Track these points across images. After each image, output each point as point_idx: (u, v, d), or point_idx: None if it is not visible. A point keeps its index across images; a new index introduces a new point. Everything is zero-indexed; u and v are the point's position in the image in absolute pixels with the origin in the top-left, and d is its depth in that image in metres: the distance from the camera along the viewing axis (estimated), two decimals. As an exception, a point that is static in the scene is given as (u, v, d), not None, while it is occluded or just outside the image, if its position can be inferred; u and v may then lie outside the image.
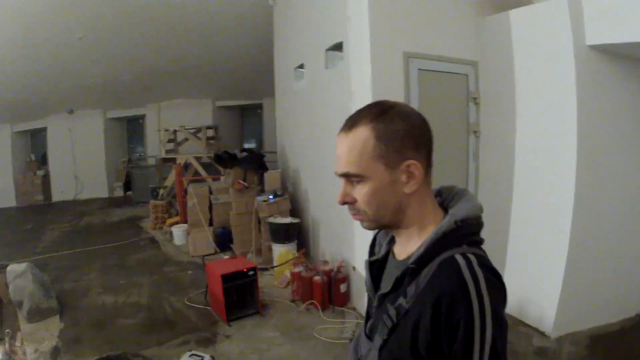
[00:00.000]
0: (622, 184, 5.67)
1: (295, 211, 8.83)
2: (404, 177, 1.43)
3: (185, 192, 10.34)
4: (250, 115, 19.72)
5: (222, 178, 10.60)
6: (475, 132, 6.38)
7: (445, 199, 1.60)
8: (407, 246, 1.54)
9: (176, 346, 5.59)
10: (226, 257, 7.12)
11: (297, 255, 7.63)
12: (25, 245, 10.54)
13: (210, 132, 14.20)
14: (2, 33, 10.99)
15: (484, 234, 1.49)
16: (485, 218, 1.50)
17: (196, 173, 12.66)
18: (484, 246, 1.48)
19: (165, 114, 17.17)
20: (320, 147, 7.55)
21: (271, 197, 8.43)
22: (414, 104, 5.73)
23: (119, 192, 17.51)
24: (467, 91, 6.30)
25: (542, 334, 5.59)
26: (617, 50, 5.16)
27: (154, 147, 16.74)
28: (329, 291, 6.58)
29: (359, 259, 6.30)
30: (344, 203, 1.51)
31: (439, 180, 1.61)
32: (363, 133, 1.41)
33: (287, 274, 7.30)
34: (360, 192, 1.45)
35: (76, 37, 11.69)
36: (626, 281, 5.88)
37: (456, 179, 6.26)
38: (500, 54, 6.03)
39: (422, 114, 1.49)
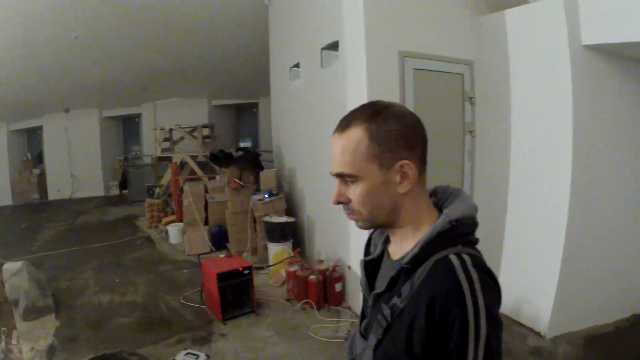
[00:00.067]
0: (618, 184, 5.69)
1: (290, 210, 8.85)
2: (397, 177, 1.43)
3: (181, 190, 10.33)
4: (246, 115, 19.71)
5: (217, 177, 10.60)
6: (470, 132, 6.39)
7: (440, 198, 1.60)
8: (402, 246, 1.55)
9: (172, 345, 5.60)
10: (222, 256, 7.13)
11: (292, 254, 7.64)
12: (21, 243, 10.54)
13: (206, 131, 14.18)
14: (0, 33, 10.98)
15: (479, 233, 1.49)
16: (480, 218, 1.51)
17: (192, 172, 12.65)
18: (479, 246, 1.49)
19: (161, 113, 17.17)
20: (315, 147, 7.56)
21: (267, 196, 8.44)
22: (409, 104, 5.75)
23: (115, 191, 17.53)
24: (462, 91, 6.30)
25: (538, 334, 5.60)
26: (613, 50, 5.19)
27: (149, 146, 16.72)
28: (324, 290, 6.61)
29: (354, 259, 6.31)
30: (338, 203, 1.52)
31: (434, 180, 1.62)
32: (357, 133, 1.42)
33: (283, 273, 7.30)
34: (355, 192, 1.46)
35: (72, 36, 11.67)
36: (622, 282, 5.90)
37: (452, 179, 6.27)
38: (496, 53, 6.04)
39: (416, 115, 1.49)
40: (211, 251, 9.35)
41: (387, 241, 1.68)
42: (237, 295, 6.34)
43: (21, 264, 6.62)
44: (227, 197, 9.20)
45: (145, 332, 6.00)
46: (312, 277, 6.57)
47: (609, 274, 5.79)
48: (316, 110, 7.53)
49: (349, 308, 6.54)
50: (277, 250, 7.85)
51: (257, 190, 9.06)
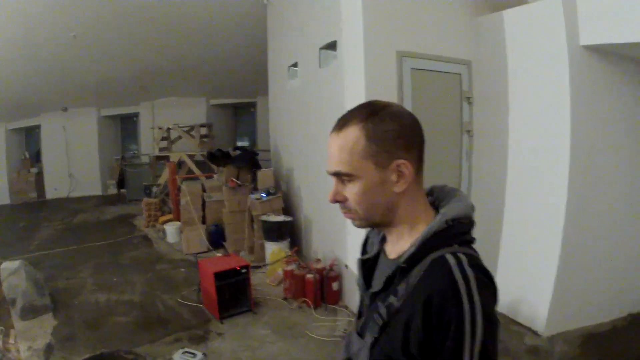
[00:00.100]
0: (616, 183, 5.70)
1: (288, 209, 8.86)
2: (394, 177, 1.44)
3: (179, 190, 10.34)
4: (243, 114, 19.69)
5: (215, 176, 10.60)
6: (468, 131, 6.40)
7: (436, 198, 1.61)
8: (398, 245, 1.55)
9: (169, 343, 5.61)
10: (219, 255, 7.14)
11: (289, 253, 7.66)
12: (19, 242, 10.53)
13: (203, 130, 14.15)
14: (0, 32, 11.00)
15: (476, 232, 1.51)
16: (478, 217, 1.52)
17: (189, 171, 12.65)
18: (476, 245, 1.50)
19: (159, 112, 17.15)
20: (313, 146, 7.57)
21: (264, 195, 8.45)
22: (407, 103, 5.76)
23: (113, 190, 17.49)
24: (460, 91, 6.30)
25: (535, 332, 5.60)
26: (611, 50, 5.18)
27: (147, 145, 16.75)
28: (321, 289, 6.61)
29: (351, 257, 6.31)
30: (335, 201, 1.53)
31: (431, 179, 1.63)
32: (354, 133, 1.43)
33: (280, 272, 7.32)
34: (351, 191, 1.47)
35: (71, 36, 11.68)
36: (619, 281, 5.90)
37: (449, 179, 6.27)
38: (494, 53, 6.04)
39: (413, 114, 1.50)
40: (208, 250, 9.37)
41: (383, 240, 1.68)
42: (234, 294, 6.34)
43: (19, 263, 6.61)
44: (225, 196, 9.24)
45: (143, 331, 6.00)
46: (309, 276, 6.59)
47: (607, 274, 5.79)
48: (314, 109, 7.54)
49: (346, 307, 6.55)
50: (274, 249, 7.86)
51: (255, 189, 9.07)
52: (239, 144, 18.66)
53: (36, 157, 17.25)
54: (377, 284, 1.57)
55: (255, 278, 7.36)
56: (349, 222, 1.56)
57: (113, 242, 10.56)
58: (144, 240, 10.78)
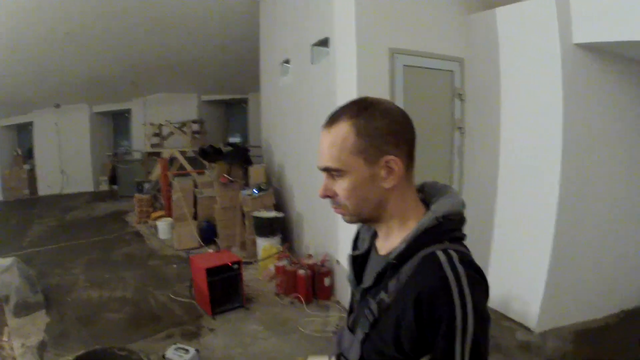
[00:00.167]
0: (608, 181, 5.73)
1: (279, 205, 8.87)
2: (383, 173, 1.45)
3: (170, 186, 10.34)
4: (235, 110, 19.62)
5: (206, 172, 10.60)
6: (460, 128, 6.43)
7: (427, 194, 1.62)
8: (389, 241, 1.57)
9: (161, 340, 5.62)
10: (211, 251, 7.16)
11: (281, 249, 7.68)
12: (11, 239, 10.47)
13: (195, 127, 14.12)
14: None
15: (467, 229, 1.52)
16: (469, 214, 1.54)
17: (181, 167, 12.63)
18: (467, 242, 1.52)
19: (150, 109, 17.03)
20: (305, 142, 7.59)
21: (255, 191, 8.47)
22: (399, 100, 5.79)
23: (105, 186, 17.45)
24: (452, 87, 6.34)
25: (526, 328, 5.64)
26: (604, 49, 5.21)
27: (139, 141, 16.65)
28: (312, 285, 6.64)
29: (342, 253, 6.34)
30: (325, 197, 1.55)
31: (422, 176, 1.65)
32: (344, 129, 1.44)
33: (272, 267, 7.33)
34: (341, 186, 1.48)
35: (62, 32, 11.65)
36: (611, 278, 5.95)
37: (440, 175, 6.31)
38: (487, 51, 6.07)
39: (404, 111, 1.51)
40: (200, 246, 9.35)
41: (374, 236, 1.70)
42: (226, 290, 6.34)
43: (12, 260, 6.59)
44: (216, 193, 9.25)
45: (135, 328, 6.01)
46: (301, 271, 6.61)
47: (599, 270, 5.84)
48: (306, 106, 7.56)
49: (338, 302, 6.58)
50: (265, 245, 7.88)
51: (246, 185, 9.09)
52: (231, 140, 18.59)
53: (28, 154, 17.13)
54: (368, 279, 1.58)
55: (247, 274, 7.36)
56: (340, 217, 1.57)
57: (105, 238, 10.52)
58: (135, 236, 10.76)
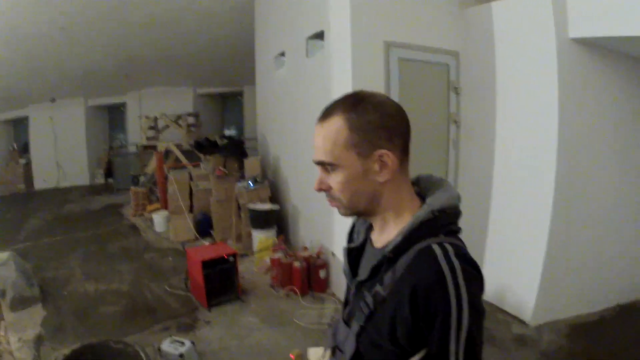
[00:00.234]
0: (603, 174, 5.73)
1: (275, 198, 8.89)
2: (376, 167, 1.46)
3: (166, 178, 10.34)
4: (231, 103, 19.62)
5: (202, 165, 10.60)
6: (455, 121, 6.43)
7: (422, 188, 1.63)
8: (384, 234, 1.58)
9: (157, 332, 5.65)
10: (206, 243, 7.17)
11: (276, 241, 7.69)
12: (7, 234, 10.46)
13: (191, 120, 14.06)
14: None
15: (463, 222, 1.53)
16: (464, 207, 1.55)
17: (177, 160, 12.62)
18: (462, 235, 1.52)
19: (146, 102, 16.98)
20: (300, 135, 7.60)
21: (251, 183, 8.47)
22: (394, 93, 5.79)
23: (100, 180, 17.45)
24: (448, 81, 6.34)
25: (522, 321, 5.67)
26: (600, 44, 5.20)
27: (135, 134, 16.58)
28: (308, 277, 6.67)
29: (337, 246, 6.32)
30: (320, 190, 1.56)
31: (418, 169, 1.65)
32: (337, 123, 1.45)
33: (267, 260, 7.32)
34: (335, 180, 1.49)
35: (58, 27, 11.62)
36: (607, 272, 5.95)
37: (436, 168, 6.32)
38: (483, 45, 6.07)
39: (398, 104, 1.52)
40: (196, 239, 9.38)
41: (370, 229, 1.71)
42: (221, 282, 6.35)
43: (8, 254, 6.60)
44: (212, 185, 9.23)
45: (131, 320, 6.04)
46: (296, 264, 6.63)
47: (594, 265, 5.86)
48: (301, 99, 7.56)
49: (333, 295, 6.61)
50: (261, 238, 7.89)
51: (242, 178, 9.08)
52: (226, 133, 18.63)
53: (24, 149, 17.12)
54: (364, 272, 1.59)
55: (243, 266, 7.38)
56: (335, 210, 1.59)
57: (101, 231, 10.52)
58: (131, 229, 10.76)
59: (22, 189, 16.40)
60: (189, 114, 14.30)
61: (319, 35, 6.73)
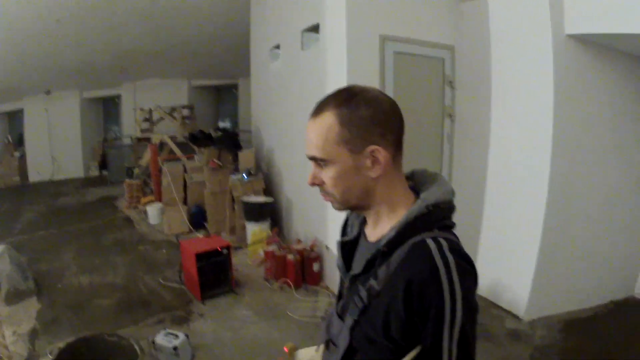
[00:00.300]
0: (597, 170, 5.75)
1: (269, 190, 8.90)
2: (368, 162, 1.46)
3: (160, 171, 10.34)
4: (225, 95, 19.60)
5: (196, 157, 10.60)
6: (450, 115, 6.44)
7: (417, 182, 1.63)
8: (378, 228, 1.58)
9: (151, 325, 5.66)
10: (200, 235, 7.17)
11: (270, 234, 7.70)
12: (2, 227, 10.45)
13: (185, 112, 14.03)
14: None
15: (457, 216, 1.53)
16: (458, 201, 1.55)
17: (171, 152, 12.60)
18: (457, 230, 1.53)
19: (140, 94, 16.94)
20: (294, 128, 7.59)
21: (245, 176, 8.48)
22: (389, 87, 5.81)
23: (95, 172, 17.43)
24: (443, 75, 6.34)
25: (515, 316, 5.70)
26: (596, 40, 5.20)
27: (129, 126, 16.54)
28: (302, 270, 6.69)
29: (331, 239, 6.38)
30: (313, 184, 1.56)
31: (412, 163, 1.67)
32: (329, 119, 1.45)
33: (261, 252, 7.36)
34: (327, 175, 1.49)
35: (53, 20, 11.58)
36: (600, 268, 5.99)
37: (430, 162, 6.33)
38: (478, 39, 6.06)
39: (392, 99, 1.51)
40: (190, 231, 9.39)
41: (364, 223, 1.71)
42: (215, 275, 6.36)
43: (3, 247, 6.57)
44: (206, 177, 9.26)
45: (126, 313, 6.05)
46: (290, 256, 6.65)
47: (588, 261, 5.88)
48: (295, 92, 7.56)
49: (327, 288, 6.63)
50: (255, 230, 7.90)
51: (236, 170, 9.09)
52: (221, 125, 18.62)
53: (19, 141, 17.09)
54: (357, 266, 1.59)
55: (237, 259, 7.41)
56: (329, 203, 1.59)
57: (95, 224, 10.53)
58: (126, 221, 10.78)
59: (17, 181, 16.35)
60: (184, 106, 14.26)
61: (314, 28, 6.71)
